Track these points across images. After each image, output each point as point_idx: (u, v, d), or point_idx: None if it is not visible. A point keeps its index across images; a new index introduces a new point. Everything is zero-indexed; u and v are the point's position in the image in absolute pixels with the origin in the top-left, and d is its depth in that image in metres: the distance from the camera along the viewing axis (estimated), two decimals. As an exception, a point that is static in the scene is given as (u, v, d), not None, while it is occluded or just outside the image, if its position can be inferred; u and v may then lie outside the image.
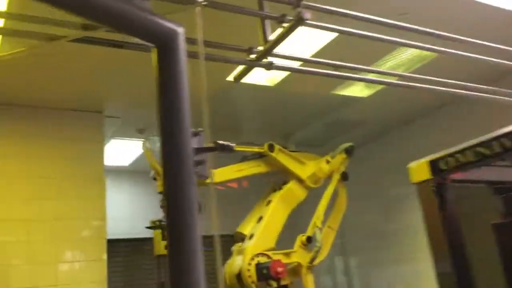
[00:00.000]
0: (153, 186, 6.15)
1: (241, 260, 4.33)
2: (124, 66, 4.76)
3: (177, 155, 0.88)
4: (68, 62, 4.62)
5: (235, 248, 4.56)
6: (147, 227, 4.14)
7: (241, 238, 4.61)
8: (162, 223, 4.16)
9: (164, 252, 4.06)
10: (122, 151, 6.92)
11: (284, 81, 5.27)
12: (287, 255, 4.52)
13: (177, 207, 0.93)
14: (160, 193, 4.10)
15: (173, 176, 0.91)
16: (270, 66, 2.40)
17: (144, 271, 7.68)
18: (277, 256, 4.36)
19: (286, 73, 5.01)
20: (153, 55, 0.95)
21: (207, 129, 1.40)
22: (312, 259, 4.56)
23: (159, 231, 4.09)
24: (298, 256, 4.57)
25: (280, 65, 2.38)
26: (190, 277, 0.90)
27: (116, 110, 5.73)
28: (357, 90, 5.83)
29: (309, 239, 4.57)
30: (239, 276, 4.14)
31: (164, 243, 4.07)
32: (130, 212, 6.81)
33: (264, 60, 2.31)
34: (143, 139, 6.24)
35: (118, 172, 7.07)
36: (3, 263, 4.60)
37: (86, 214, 5.15)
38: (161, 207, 4.11)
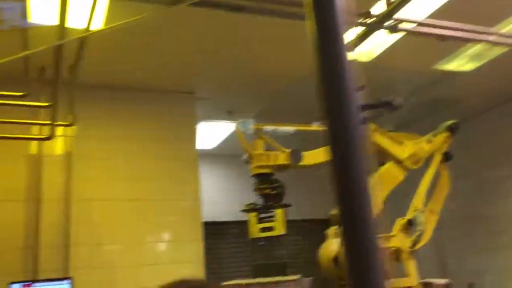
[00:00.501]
0: (239, 170, 6.16)
1: (338, 244, 4.21)
2: (216, 47, 4.73)
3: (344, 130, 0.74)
4: (163, 44, 4.67)
5: (330, 231, 4.44)
6: (242, 210, 4.09)
7: (337, 221, 4.47)
8: (257, 206, 4.09)
9: (259, 235, 4.01)
10: (209, 134, 6.96)
11: (382, 55, 4.99)
12: (386, 239, 4.34)
13: (349, 190, 0.77)
14: (254, 176, 4.03)
15: (341, 155, 0.76)
16: (394, 28, 2.19)
17: (231, 255, 7.77)
18: None
19: (385, 46, 4.73)
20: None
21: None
22: (414, 244, 4.35)
23: (253, 214, 4.04)
24: (398, 240, 4.37)
25: (404, 27, 2.18)
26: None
27: (207, 92, 5.75)
28: (461, 64, 5.41)
29: (410, 222, 4.36)
30: (335, 259, 4.00)
31: (259, 226, 4.01)
32: (213, 195, 6.88)
33: (387, 22, 2.11)
34: (232, 121, 6.24)
35: (202, 155, 7.14)
36: (103, 242, 4.80)
37: (182, 196, 5.25)
38: (254, 190, 4.05)
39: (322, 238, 4.37)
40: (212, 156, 7.53)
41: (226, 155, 7.27)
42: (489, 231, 6.96)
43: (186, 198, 5.24)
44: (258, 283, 2.69)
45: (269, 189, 3.96)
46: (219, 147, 7.48)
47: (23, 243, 4.56)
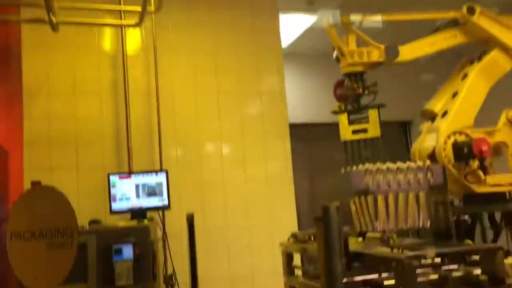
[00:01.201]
0: (318, 68, 5.89)
1: (434, 139, 4.01)
2: None
3: None
4: None
5: (423, 127, 4.23)
6: (333, 112, 3.93)
7: (431, 116, 4.23)
8: (348, 107, 3.91)
9: (351, 137, 3.89)
10: (286, 28, 6.61)
11: None
12: (489, 133, 4.06)
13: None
14: (345, 75, 3.81)
15: None
16: None
17: (322, 156, 7.70)
18: (477, 134, 3.94)
19: None
20: None
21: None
22: None
23: (344, 116, 3.87)
24: (503, 134, 4.08)
25: None
26: None
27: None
28: None
29: None
30: (431, 156, 3.82)
31: (351, 128, 3.86)
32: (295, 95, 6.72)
33: None
34: (312, 13, 5.87)
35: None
36: (189, 136, 4.90)
37: (267, 90, 5.17)
38: (346, 90, 3.83)
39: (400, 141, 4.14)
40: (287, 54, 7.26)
41: (302, 53, 6.97)
42: None
43: (271, 92, 5.16)
44: (388, 168, 2.61)
45: (362, 89, 3.76)
46: (295, 44, 7.13)
47: (114, 137, 4.73)
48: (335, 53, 3.84)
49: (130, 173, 4.43)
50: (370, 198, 2.59)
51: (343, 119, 3.91)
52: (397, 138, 7.85)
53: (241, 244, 4.77)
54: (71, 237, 2.77)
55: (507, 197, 3.98)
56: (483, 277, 2.33)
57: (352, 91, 3.74)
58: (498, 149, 4.09)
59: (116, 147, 4.67)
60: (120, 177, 4.27)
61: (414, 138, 5.82)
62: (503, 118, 4.05)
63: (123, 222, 4.17)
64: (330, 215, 2.02)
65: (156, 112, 4.79)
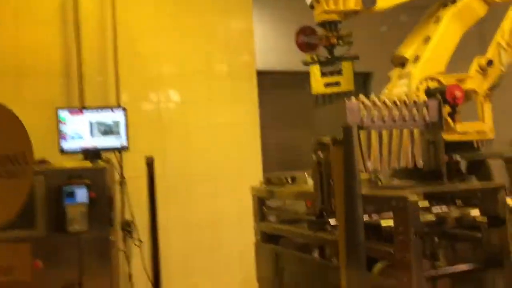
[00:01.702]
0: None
1: (406, 85, 3.87)
2: None
3: None
4: None
5: (393, 73, 4.07)
6: (304, 63, 3.66)
7: (401, 62, 4.08)
8: (320, 58, 3.65)
9: (323, 90, 3.66)
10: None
11: None
12: (461, 80, 3.97)
13: None
14: (319, 23, 3.53)
15: None
16: None
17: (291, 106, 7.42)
18: (449, 80, 3.85)
19: None
20: None
21: None
22: (493, 86, 4.01)
23: (316, 67, 3.62)
24: (474, 82, 4.00)
25: None
26: None
27: None
28: None
29: (490, 63, 3.95)
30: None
31: (322, 80, 3.63)
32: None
33: None
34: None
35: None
36: (150, 75, 4.48)
37: (233, 31, 4.78)
38: (319, 40, 3.55)
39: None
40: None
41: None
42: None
43: (238, 33, 4.78)
44: (384, 102, 2.38)
45: (336, 39, 3.51)
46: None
47: (63, 69, 4.25)
48: None
49: (82, 108, 3.97)
50: (363, 134, 2.36)
51: (315, 70, 3.68)
52: (357, 90, 7.77)
53: (203, 190, 4.48)
54: (25, 164, 2.36)
55: (474, 146, 3.96)
56: (481, 218, 2.19)
57: (325, 41, 3.48)
58: (468, 97, 4.03)
59: (65, 80, 4.18)
60: (71, 113, 3.80)
61: (374, 90, 5.68)
62: (474, 65, 3.97)
63: (74, 164, 3.75)
64: (351, 137, 1.76)
65: (113, 44, 4.31)
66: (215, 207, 4.48)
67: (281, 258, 2.98)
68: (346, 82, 3.65)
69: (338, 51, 3.60)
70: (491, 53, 4.00)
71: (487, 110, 4.10)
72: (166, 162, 4.29)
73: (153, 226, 3.83)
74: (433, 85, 3.76)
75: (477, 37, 4.27)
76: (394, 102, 2.44)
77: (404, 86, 3.88)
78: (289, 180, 3.04)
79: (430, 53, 3.84)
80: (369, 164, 2.42)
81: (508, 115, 4.64)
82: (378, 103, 2.40)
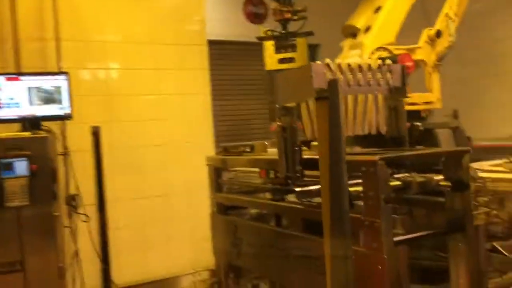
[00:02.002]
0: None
1: (358, 55, 3.87)
2: None
3: None
4: None
5: (345, 43, 4.05)
6: (258, 38, 3.55)
7: (352, 32, 4.08)
8: (275, 33, 3.56)
9: (277, 66, 3.59)
10: None
11: None
12: (411, 50, 4.02)
13: None
14: None
15: None
16: None
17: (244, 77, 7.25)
18: (399, 51, 3.90)
19: None
20: None
21: None
22: (442, 57, 4.09)
23: (271, 43, 3.52)
24: (423, 52, 4.08)
25: None
26: None
27: None
28: None
29: (439, 33, 4.02)
30: None
31: (276, 56, 3.55)
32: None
33: None
34: None
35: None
36: (93, 39, 4.17)
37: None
38: (273, 14, 3.43)
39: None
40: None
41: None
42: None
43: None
44: (349, 66, 2.30)
45: (291, 14, 3.40)
46: None
47: None
48: None
49: (19, 74, 3.63)
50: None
51: (269, 46, 3.59)
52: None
53: (153, 162, 4.29)
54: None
55: (421, 116, 4.04)
56: (445, 183, 2.19)
57: (279, 15, 3.37)
58: (416, 67, 4.09)
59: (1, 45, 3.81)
60: (7, 79, 3.47)
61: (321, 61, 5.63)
62: (424, 36, 4.03)
63: (11, 134, 3.44)
64: (337, 90, 1.66)
65: (52, 8, 3.97)
66: (165, 178, 4.32)
67: (239, 229, 2.90)
68: (300, 58, 3.61)
69: (292, 26, 3.52)
70: (439, 24, 4.06)
71: (435, 80, 4.19)
72: (112, 133, 4.06)
73: (100, 199, 3.63)
74: (384, 55, 3.78)
75: (420, 10, 4.31)
76: (359, 66, 2.38)
77: (356, 56, 3.88)
78: (247, 149, 2.94)
79: (381, 23, 3.85)
80: (334, 130, 2.37)
81: (451, 88, 4.76)
82: (343, 66, 2.32)
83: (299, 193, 2.20)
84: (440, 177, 2.23)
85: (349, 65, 2.35)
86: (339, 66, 2.30)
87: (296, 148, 2.24)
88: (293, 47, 3.60)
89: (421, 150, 2.37)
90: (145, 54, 4.30)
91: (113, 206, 3.81)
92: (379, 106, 2.42)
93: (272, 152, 2.77)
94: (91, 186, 3.58)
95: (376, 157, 1.93)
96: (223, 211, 3.14)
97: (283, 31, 3.48)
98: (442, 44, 4.08)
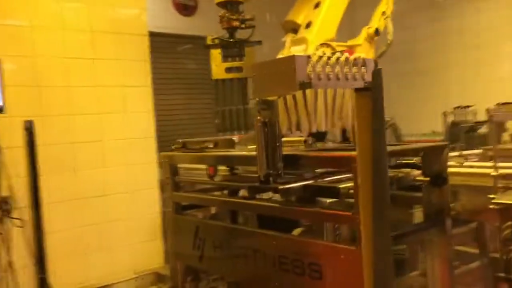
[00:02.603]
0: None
1: (302, 50, 3.86)
2: None
3: None
4: None
5: (287, 38, 4.03)
6: (205, 46, 3.41)
7: (293, 27, 4.06)
8: (223, 40, 3.44)
9: (223, 75, 3.47)
10: None
11: None
12: (351, 48, 4.09)
13: None
14: (220, 3, 3.30)
15: None
16: None
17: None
18: (341, 48, 3.94)
19: None
20: None
21: None
22: (380, 54, 4.21)
23: (218, 51, 3.41)
24: (363, 50, 4.14)
25: None
26: None
27: None
28: None
29: (377, 32, 4.12)
30: None
31: (224, 65, 3.45)
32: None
33: None
34: None
35: None
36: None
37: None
38: (220, 21, 3.30)
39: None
40: None
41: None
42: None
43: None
44: (328, 58, 2.22)
45: (239, 22, 3.30)
46: None
47: None
48: None
49: None
50: (310, 93, 2.21)
51: (215, 54, 3.47)
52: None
53: (90, 160, 3.96)
54: None
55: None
56: (422, 178, 2.21)
57: (227, 23, 3.25)
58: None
59: None
60: None
61: (259, 58, 5.59)
62: (364, 34, 4.10)
63: None
64: (381, 81, 1.57)
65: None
66: (104, 177, 4.00)
67: (202, 229, 2.74)
68: (248, 68, 3.46)
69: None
70: (377, 22, 4.13)
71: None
72: (46, 129, 3.67)
73: (35, 201, 3.28)
74: (328, 51, 3.79)
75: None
76: (337, 60, 2.33)
77: (301, 52, 3.85)
78: (210, 145, 2.78)
79: (322, 19, 3.83)
80: (313, 124, 2.31)
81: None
82: (323, 59, 2.26)
83: (282, 190, 2.11)
84: (417, 172, 2.26)
85: (328, 58, 2.30)
86: (319, 59, 2.24)
87: (278, 144, 2.14)
88: (241, 56, 3.48)
89: (404, 145, 2.36)
90: (80, 41, 3.94)
91: (48, 209, 3.46)
92: (354, 101, 2.39)
93: (242, 149, 2.65)
94: (24, 186, 3.22)
95: (365, 154, 1.89)
96: (181, 211, 2.96)
97: (231, 39, 3.35)
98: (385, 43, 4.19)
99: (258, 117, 2.16)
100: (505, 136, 5.11)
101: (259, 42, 3.46)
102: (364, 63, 2.46)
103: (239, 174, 3.00)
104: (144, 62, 4.22)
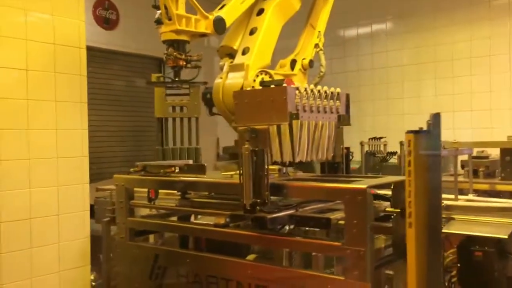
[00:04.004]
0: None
1: (241, 77, 3.90)
2: None
3: None
4: None
5: (224, 62, 4.07)
6: (149, 83, 3.37)
7: (228, 52, 4.11)
8: (167, 79, 3.43)
9: (167, 115, 3.49)
10: None
11: None
12: (287, 76, 4.23)
13: None
14: (165, 41, 3.23)
15: None
16: None
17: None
18: (278, 76, 4.05)
19: None
20: None
21: None
22: (315, 84, 4.39)
23: (161, 90, 3.38)
24: (298, 80, 4.30)
25: None
26: None
27: None
28: None
29: (311, 64, 4.30)
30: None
31: (167, 103, 3.45)
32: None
33: None
34: None
35: None
36: None
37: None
38: (166, 60, 3.25)
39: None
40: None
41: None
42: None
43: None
44: (312, 91, 2.25)
45: (185, 62, 3.30)
46: None
47: None
48: (158, 13, 3.20)
49: None
50: (296, 124, 2.25)
51: (159, 92, 3.43)
52: (149, 73, 7.62)
53: (15, 180, 3.56)
54: None
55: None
56: (392, 210, 2.34)
57: (172, 62, 3.23)
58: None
59: None
60: None
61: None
62: (298, 65, 4.24)
63: None
64: (439, 123, 1.60)
65: None
66: (29, 199, 3.64)
67: (162, 257, 2.62)
68: (192, 108, 3.53)
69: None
70: (310, 53, 4.29)
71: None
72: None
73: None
74: (266, 78, 3.87)
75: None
76: (319, 92, 2.41)
77: (239, 78, 3.88)
78: (176, 169, 2.69)
79: (258, 45, 3.91)
80: (297, 155, 2.34)
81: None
82: (308, 92, 2.32)
83: (270, 220, 2.11)
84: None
85: (311, 90, 2.37)
86: (305, 90, 2.30)
87: (265, 173, 2.14)
88: (185, 96, 3.45)
89: (388, 177, 2.46)
90: (12, 49, 3.59)
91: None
92: (331, 133, 2.48)
93: (213, 175, 2.60)
94: None
95: (364, 186, 1.97)
96: (134, 238, 2.81)
97: (176, 79, 3.31)
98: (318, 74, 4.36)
99: (246, 145, 2.16)
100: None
101: (205, 83, 3.46)
102: (338, 96, 2.58)
103: (191, 199, 2.93)
104: (81, 77, 3.94)
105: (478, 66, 6.52)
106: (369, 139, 6.30)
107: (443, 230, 2.79)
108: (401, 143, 5.78)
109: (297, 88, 2.26)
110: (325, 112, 2.42)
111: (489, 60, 6.46)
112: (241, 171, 2.16)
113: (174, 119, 3.61)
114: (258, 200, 2.13)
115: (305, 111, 2.27)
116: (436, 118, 1.55)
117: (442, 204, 2.82)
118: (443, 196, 2.97)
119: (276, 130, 2.30)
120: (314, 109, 2.34)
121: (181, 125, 3.71)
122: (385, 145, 6.37)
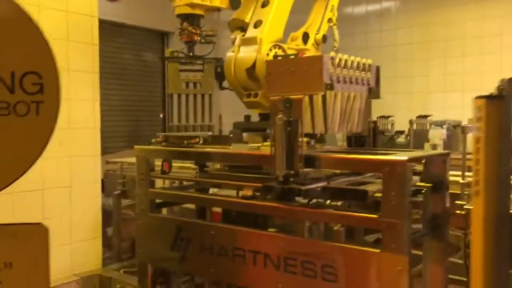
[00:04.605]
0: None
1: (254, 51, 3.81)
2: None
3: None
4: None
5: (235, 36, 3.97)
6: (161, 58, 3.26)
7: (240, 26, 4.00)
8: (180, 53, 3.33)
9: (181, 91, 3.38)
10: None
11: None
12: (300, 51, 4.15)
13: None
14: (181, 15, 3.15)
15: None
16: None
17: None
18: (291, 51, 3.97)
19: None
20: None
21: None
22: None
23: (176, 65, 3.29)
24: (310, 54, 4.23)
25: None
26: None
27: None
28: None
29: (325, 39, 4.22)
30: (252, 68, 3.66)
31: (181, 80, 3.36)
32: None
33: None
34: None
35: None
36: None
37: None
38: (180, 34, 3.15)
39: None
40: None
41: None
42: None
43: None
44: (345, 61, 2.19)
45: (200, 37, 3.20)
46: None
47: None
48: None
49: None
50: (330, 95, 2.19)
51: (173, 68, 3.34)
52: (152, 46, 7.47)
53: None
54: (44, 92, 1.42)
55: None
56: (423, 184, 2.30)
57: (187, 37, 3.13)
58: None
59: None
60: None
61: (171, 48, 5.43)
62: (311, 40, 4.17)
63: None
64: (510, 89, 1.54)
65: None
66: (40, 170, 3.58)
67: (186, 229, 2.58)
68: (206, 84, 3.43)
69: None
70: (323, 28, 4.19)
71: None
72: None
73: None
74: (279, 52, 3.78)
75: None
76: (351, 63, 2.34)
77: (252, 52, 3.79)
78: (200, 140, 2.63)
79: (272, 18, 3.82)
80: (329, 125, 2.29)
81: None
82: (342, 63, 2.26)
83: (305, 191, 2.06)
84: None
85: (345, 61, 2.30)
86: (339, 61, 2.23)
87: (299, 144, 2.09)
88: (199, 71, 3.38)
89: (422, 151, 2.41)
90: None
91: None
92: (362, 106, 2.43)
93: (238, 147, 2.53)
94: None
95: (404, 158, 1.93)
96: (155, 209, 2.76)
97: (190, 54, 3.21)
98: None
99: (280, 115, 2.10)
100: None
101: (219, 59, 3.37)
102: (369, 68, 2.51)
103: (209, 172, 2.88)
104: (93, 46, 3.85)
105: (488, 45, 6.45)
106: (377, 117, 6.24)
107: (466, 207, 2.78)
108: (411, 122, 5.75)
109: (332, 58, 2.19)
110: (357, 83, 2.36)
111: (500, 39, 6.39)
112: (274, 142, 2.11)
113: (187, 96, 3.50)
114: (292, 172, 2.08)
115: (339, 81, 2.21)
116: (510, 83, 1.49)
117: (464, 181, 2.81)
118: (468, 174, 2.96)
119: (309, 101, 2.24)
120: (347, 80, 2.27)
121: (194, 101, 3.62)
122: (392, 124, 6.33)
